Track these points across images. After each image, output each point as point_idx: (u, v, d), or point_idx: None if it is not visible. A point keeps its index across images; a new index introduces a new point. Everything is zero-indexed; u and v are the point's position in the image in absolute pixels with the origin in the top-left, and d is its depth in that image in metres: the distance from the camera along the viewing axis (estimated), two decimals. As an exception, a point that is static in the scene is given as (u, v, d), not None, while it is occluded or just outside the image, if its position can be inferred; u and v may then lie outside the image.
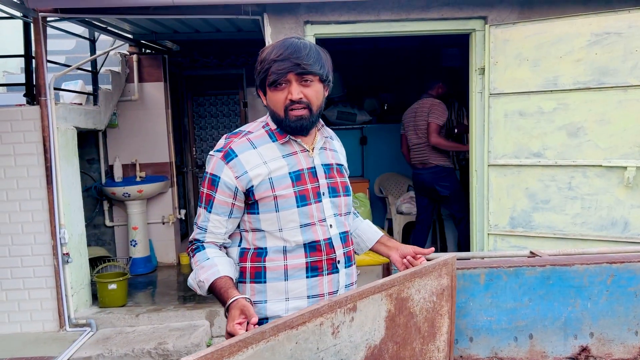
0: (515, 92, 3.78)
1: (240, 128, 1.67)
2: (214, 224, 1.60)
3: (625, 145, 3.52)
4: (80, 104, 4.59)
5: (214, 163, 1.58)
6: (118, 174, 5.39)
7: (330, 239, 1.61)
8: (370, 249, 1.93)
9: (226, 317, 1.44)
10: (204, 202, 1.60)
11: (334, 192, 1.65)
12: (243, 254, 1.62)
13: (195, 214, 6.79)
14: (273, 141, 1.60)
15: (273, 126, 1.62)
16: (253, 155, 1.56)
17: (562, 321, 2.16)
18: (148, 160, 5.59)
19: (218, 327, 4.03)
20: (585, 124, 3.61)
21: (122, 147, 5.52)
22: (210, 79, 6.64)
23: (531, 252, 2.34)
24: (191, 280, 1.59)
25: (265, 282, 1.59)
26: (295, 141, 1.61)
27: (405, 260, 1.78)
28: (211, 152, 1.61)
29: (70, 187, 4.11)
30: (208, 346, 3.77)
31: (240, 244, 1.64)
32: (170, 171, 5.70)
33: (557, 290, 2.15)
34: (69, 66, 4.29)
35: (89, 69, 4.79)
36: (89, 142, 5.33)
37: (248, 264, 1.60)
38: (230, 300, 1.43)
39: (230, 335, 1.34)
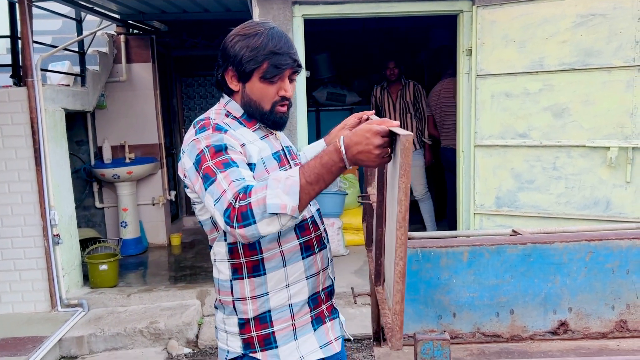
0: (501, 74, 3.81)
1: (203, 116, 1.54)
2: (247, 174, 1.38)
3: (608, 125, 3.58)
4: (68, 85, 4.57)
5: (205, 139, 1.42)
6: (107, 155, 5.39)
7: (313, 216, 1.63)
8: None
9: (343, 154, 1.26)
10: (221, 168, 1.35)
11: None
12: (232, 249, 1.52)
13: (185, 197, 6.72)
14: (244, 127, 1.54)
15: (237, 114, 1.55)
16: (239, 134, 1.48)
17: (542, 297, 2.23)
18: (137, 142, 5.59)
19: (209, 306, 4.09)
20: (570, 104, 3.66)
21: (111, 128, 5.51)
22: (199, 60, 6.61)
23: (513, 231, 2.40)
24: (278, 199, 1.25)
25: (264, 273, 1.53)
26: (264, 127, 1.58)
27: (359, 123, 1.71)
28: (194, 137, 1.45)
29: (59, 169, 4.12)
30: (199, 325, 3.85)
31: (226, 238, 1.52)
32: (159, 153, 5.71)
33: (538, 267, 2.21)
34: (55, 47, 4.27)
35: (76, 49, 4.75)
36: (77, 124, 5.32)
37: (242, 260, 1.52)
38: (341, 137, 1.28)
39: (377, 133, 1.23)
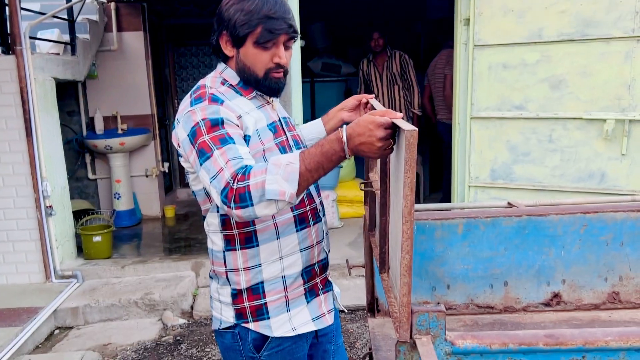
0: (499, 44, 3.76)
1: (198, 84, 1.51)
2: (244, 151, 1.35)
3: (605, 98, 3.55)
4: (58, 54, 4.48)
5: (201, 110, 1.38)
6: (99, 126, 5.33)
7: (309, 189, 1.60)
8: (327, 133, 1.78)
9: (344, 144, 1.26)
10: (218, 144, 1.32)
11: (297, 144, 1.62)
12: (225, 221, 1.50)
13: (182, 166, 6.85)
14: (240, 96, 1.50)
15: (233, 81, 1.51)
16: (235, 104, 1.45)
17: (536, 269, 2.24)
18: (129, 113, 5.52)
19: (203, 277, 4.10)
20: (568, 76, 3.62)
21: (103, 99, 5.43)
22: (192, 29, 6.48)
23: (509, 203, 2.40)
24: (276, 184, 1.25)
25: (257, 245, 1.51)
26: (261, 95, 1.55)
27: (359, 105, 1.73)
28: (190, 109, 1.41)
29: (50, 140, 4.06)
30: (194, 296, 3.86)
31: (219, 210, 1.50)
32: (152, 124, 5.64)
33: (532, 239, 2.22)
34: (44, 14, 4.16)
35: (65, 17, 4.64)
36: (68, 94, 5.23)
37: (235, 231, 1.50)
38: (344, 127, 1.28)
39: (380, 125, 1.22)
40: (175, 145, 1.49)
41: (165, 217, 5.75)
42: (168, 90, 6.53)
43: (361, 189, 2.03)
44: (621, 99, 3.52)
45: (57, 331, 3.65)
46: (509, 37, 3.73)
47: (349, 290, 3.78)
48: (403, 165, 1.09)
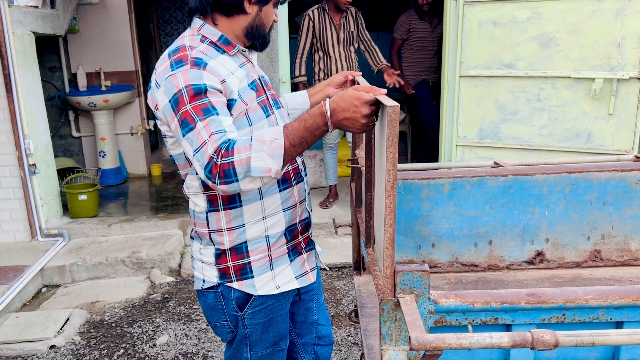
0: (489, 1, 3.69)
1: (176, 45, 1.46)
2: (227, 123, 1.33)
3: (595, 56, 3.52)
4: (37, 7, 4.32)
5: (183, 75, 1.34)
6: (82, 82, 5.21)
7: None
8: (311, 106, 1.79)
9: (327, 118, 1.27)
10: (201, 115, 1.30)
11: (276, 103, 1.61)
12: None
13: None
14: (221, 53, 1.47)
15: (213, 38, 1.48)
16: (218, 65, 1.41)
17: (521, 228, 2.26)
18: (113, 69, 5.40)
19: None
20: (558, 34, 3.58)
21: (85, 54, 5.30)
22: (175, -18, 6.31)
23: (495, 163, 2.40)
24: (262, 162, 1.25)
25: (240, 205, 1.51)
26: (242, 53, 1.53)
27: (345, 82, 1.75)
28: (171, 73, 1.36)
29: (31, 96, 3.97)
30: (182, 254, 3.87)
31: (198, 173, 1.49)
32: (136, 80, 5.53)
33: (518, 198, 2.23)
34: (20, -35, 4.00)
35: (43, -32, 4.46)
36: (49, 49, 5.09)
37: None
38: (327, 101, 1.28)
39: (366, 102, 1.24)
40: (152, 108, 1.46)
41: (151, 175, 5.72)
42: (152, 45, 6.38)
43: (347, 166, 2.03)
44: (610, 58, 3.49)
45: (44, 289, 3.66)
46: (500, -7, 3.66)
47: (336, 248, 3.82)
48: (386, 141, 1.09)
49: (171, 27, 6.47)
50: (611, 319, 1.18)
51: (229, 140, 1.28)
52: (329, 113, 1.26)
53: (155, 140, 6.35)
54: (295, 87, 4.14)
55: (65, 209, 4.37)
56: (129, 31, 5.40)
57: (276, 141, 1.26)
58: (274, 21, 1.58)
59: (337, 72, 4.15)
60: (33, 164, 3.90)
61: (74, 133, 5.45)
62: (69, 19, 4.81)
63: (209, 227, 1.54)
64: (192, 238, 1.66)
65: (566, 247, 2.29)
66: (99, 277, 3.72)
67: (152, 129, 5.91)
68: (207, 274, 1.59)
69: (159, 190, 5.24)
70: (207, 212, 1.53)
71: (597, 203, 2.23)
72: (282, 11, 3.82)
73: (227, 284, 1.56)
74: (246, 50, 1.55)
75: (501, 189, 2.23)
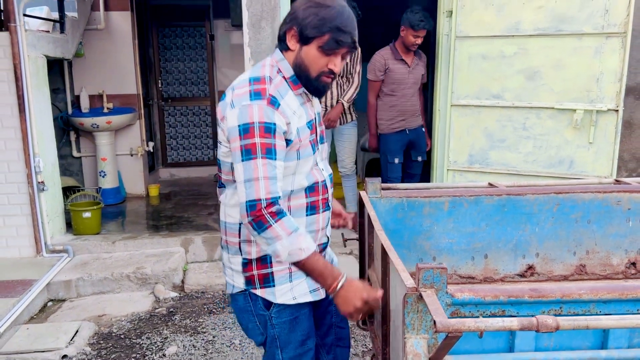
0: (480, 36, 3.97)
1: (258, 73, 1.61)
2: (281, 170, 1.55)
3: (576, 89, 3.80)
4: (48, 31, 4.51)
5: (260, 110, 1.51)
6: (85, 104, 5.37)
7: (324, 180, 1.77)
8: None
9: (334, 289, 1.55)
10: (264, 152, 1.49)
11: (321, 139, 1.80)
12: None
13: (164, 147, 6.69)
14: (290, 89, 1.63)
15: (287, 74, 1.63)
16: (286, 104, 1.58)
17: (513, 243, 2.47)
18: (115, 92, 5.57)
19: (193, 253, 4.24)
20: (542, 68, 3.86)
21: (89, 77, 5.47)
22: (177, 10, 6.54)
23: (489, 184, 2.62)
24: (282, 247, 1.51)
25: None
26: (305, 93, 1.69)
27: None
28: (246, 102, 1.52)
29: (42, 116, 4.12)
30: (184, 271, 4.01)
31: None
32: (137, 103, 5.71)
33: (511, 216, 2.44)
34: (35, -9, 4.20)
35: (55, -5, 4.67)
36: (53, 71, 5.24)
37: None
38: (344, 276, 1.56)
39: (365, 303, 1.54)
40: (219, 117, 1.63)
41: (149, 195, 5.85)
42: (152, 70, 6.57)
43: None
44: (590, 91, 3.77)
45: (50, 303, 3.75)
46: (488, 30, 3.94)
47: (342, 265, 3.98)
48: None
49: (171, 53, 6.67)
50: (600, 311, 1.38)
51: (281, 210, 1.53)
52: (337, 287, 1.54)
53: (152, 161, 6.50)
54: None
55: (69, 226, 4.48)
56: (132, 56, 5.60)
57: (301, 252, 1.53)
58: (331, 69, 1.60)
59: (326, 100, 4.29)
60: (42, 182, 4.03)
61: (75, 153, 5.57)
62: (76, 43, 5.00)
63: (240, 237, 1.72)
64: (222, 247, 1.83)
65: (554, 261, 2.51)
66: (104, 292, 3.83)
67: (151, 150, 6.06)
68: (236, 280, 1.77)
69: (158, 209, 5.37)
70: (240, 224, 1.70)
71: (582, 221, 2.46)
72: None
73: (252, 291, 1.74)
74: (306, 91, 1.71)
75: (496, 207, 2.45)
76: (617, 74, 3.69)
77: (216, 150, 6.81)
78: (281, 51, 1.66)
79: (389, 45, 4.37)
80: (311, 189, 1.72)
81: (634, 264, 2.49)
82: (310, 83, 1.63)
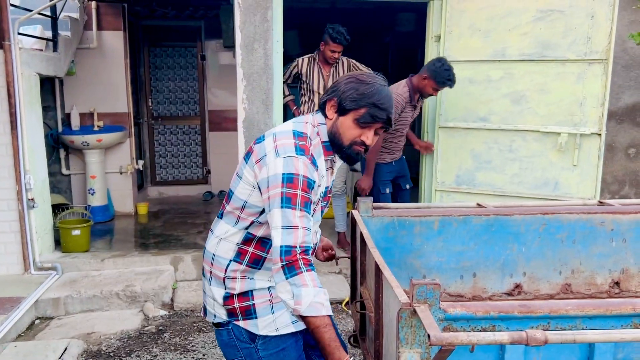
0: (467, 60, 4.08)
1: (301, 129, 1.71)
2: (311, 224, 1.64)
3: (560, 113, 3.92)
4: (41, 49, 4.54)
5: (304, 166, 1.60)
6: (75, 122, 5.39)
7: (317, 244, 1.88)
8: None
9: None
10: (302, 205, 1.57)
11: (321, 213, 1.87)
12: (248, 239, 1.73)
13: (153, 165, 6.70)
14: (322, 154, 1.74)
15: (322, 138, 1.73)
16: (320, 167, 1.70)
17: (501, 262, 2.53)
18: (106, 110, 5.60)
19: (182, 272, 4.25)
20: (528, 92, 3.98)
21: (80, 95, 5.50)
22: (168, 30, 6.61)
23: (478, 204, 2.68)
24: (306, 295, 1.52)
25: (259, 268, 1.75)
26: (333, 160, 1.79)
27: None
28: (292, 154, 1.61)
29: (33, 134, 4.14)
30: (174, 289, 4.01)
31: (248, 228, 1.72)
32: (128, 122, 5.73)
33: (498, 236, 2.51)
34: (29, 10, 4.24)
35: (49, 14, 4.71)
36: (44, 89, 5.25)
37: (251, 249, 1.73)
38: (348, 358, 1.55)
39: None
40: (255, 157, 1.67)
41: (137, 214, 5.84)
42: (142, 89, 6.61)
43: (356, 311, 2.27)
44: (574, 115, 3.89)
45: (37, 321, 3.72)
46: (475, 55, 4.06)
47: (332, 285, 4.01)
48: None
49: (162, 72, 6.72)
50: (586, 327, 1.43)
51: (312, 263, 1.57)
52: None
53: (141, 180, 6.50)
54: (285, 106, 4.43)
55: (57, 243, 4.47)
56: (124, 75, 5.64)
57: (322, 307, 1.53)
58: (363, 141, 1.68)
59: None
60: (32, 199, 4.02)
61: (64, 171, 5.57)
62: (69, 61, 5.04)
63: (225, 273, 1.76)
64: (204, 276, 1.86)
65: (541, 280, 2.57)
66: (93, 310, 3.81)
67: (141, 168, 6.08)
68: (217, 311, 1.81)
69: (147, 228, 5.36)
70: (230, 260, 1.75)
71: (567, 241, 2.53)
72: (277, 63, 4.12)
73: (235, 322, 1.77)
74: (335, 160, 1.80)
75: (484, 227, 2.51)
76: (600, 98, 3.82)
77: (205, 168, 6.82)
78: (323, 116, 1.75)
79: (406, 82, 3.98)
80: (308, 250, 1.76)
81: (617, 283, 2.56)
82: (342, 151, 1.72)
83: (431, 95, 3.99)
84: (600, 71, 3.80)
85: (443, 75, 3.79)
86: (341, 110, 1.69)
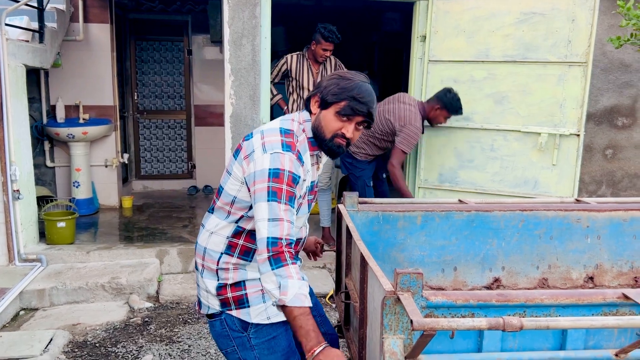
0: (451, 61, 4.17)
1: (288, 126, 1.78)
2: (295, 217, 1.70)
3: (541, 114, 4.03)
4: (27, 41, 4.52)
5: (290, 161, 1.67)
6: (61, 114, 5.37)
7: (304, 238, 1.95)
8: None
9: (312, 352, 1.53)
10: (287, 199, 1.63)
11: (309, 207, 1.92)
12: (238, 232, 1.79)
13: (138, 159, 6.68)
14: (307, 150, 1.80)
15: (309, 134, 1.80)
16: (305, 163, 1.77)
17: (481, 257, 2.61)
18: (91, 103, 5.59)
19: (167, 265, 4.27)
20: (510, 93, 4.08)
21: (65, 88, 5.48)
22: (155, 24, 6.61)
23: (460, 200, 2.76)
24: (292, 286, 1.56)
25: (250, 261, 1.81)
26: (317, 156, 1.85)
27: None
28: (278, 150, 1.67)
29: (19, 125, 4.13)
30: (159, 282, 4.04)
31: (238, 222, 1.78)
32: (114, 115, 5.73)
33: (479, 231, 2.59)
34: (16, 1, 4.23)
35: (36, 5, 4.69)
36: (29, 81, 5.22)
37: (241, 242, 1.80)
38: (326, 345, 1.55)
39: None
40: (243, 152, 1.74)
41: (122, 207, 5.84)
42: (128, 82, 6.60)
43: (341, 301, 2.33)
44: (554, 116, 4.00)
45: (22, 312, 3.73)
46: (459, 55, 4.15)
47: (317, 280, 4.07)
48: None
49: (148, 66, 6.72)
50: (560, 315, 1.51)
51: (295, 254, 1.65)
52: (315, 352, 1.52)
53: (126, 173, 6.50)
54: (273, 105, 4.46)
55: (42, 236, 4.46)
56: (110, 68, 5.63)
57: (305, 298, 1.57)
58: (343, 134, 1.74)
59: None
60: (17, 190, 4.02)
61: (48, 163, 5.55)
62: (54, 53, 5.02)
63: (218, 265, 1.83)
64: (196, 269, 1.92)
65: (519, 274, 2.66)
66: (78, 302, 3.83)
67: (126, 162, 6.07)
68: (210, 302, 1.86)
69: (132, 221, 5.37)
70: (222, 253, 1.82)
71: (545, 237, 2.62)
72: (265, 59, 4.17)
73: (228, 312, 1.84)
74: (321, 156, 1.86)
75: (465, 222, 2.59)
76: (579, 100, 3.93)
77: (190, 163, 6.82)
78: (309, 113, 1.82)
79: (419, 110, 4.01)
80: (292, 243, 1.80)
81: (591, 278, 2.66)
82: (324, 143, 1.77)
83: (440, 123, 4.11)
84: (580, 74, 3.91)
85: (456, 106, 3.97)
86: (323, 104, 1.76)
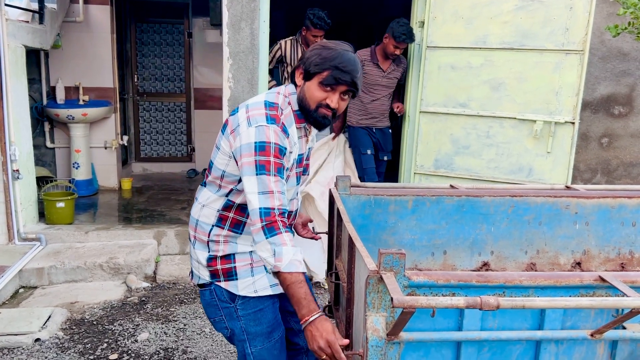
0: (449, 47, 4.18)
1: (273, 99, 1.79)
2: (285, 188, 1.72)
3: (537, 101, 4.04)
4: (27, 22, 4.54)
5: (275, 133, 1.68)
6: (60, 95, 5.40)
7: (296, 211, 1.98)
8: None
9: (306, 320, 1.57)
10: (275, 171, 1.66)
11: (305, 170, 1.97)
12: (228, 205, 1.82)
13: (138, 141, 6.72)
14: (294, 123, 1.81)
15: (295, 107, 1.81)
16: (291, 135, 1.78)
17: (470, 241, 2.65)
18: (91, 84, 5.61)
19: (165, 246, 4.33)
20: (506, 80, 4.09)
21: (65, 69, 5.50)
22: (155, 6, 6.60)
23: (451, 185, 2.80)
24: (287, 253, 1.61)
25: (241, 233, 1.85)
26: (305, 128, 1.87)
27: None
28: (262, 123, 1.68)
29: (19, 105, 4.16)
30: (157, 262, 4.10)
31: (228, 195, 1.82)
32: (114, 97, 5.76)
33: (469, 216, 2.63)
34: (16, -18, 4.24)
35: (35, -15, 4.70)
36: (29, 61, 5.24)
37: (231, 215, 1.83)
38: (320, 313, 1.59)
39: (328, 345, 1.54)
40: (229, 127, 1.77)
41: (121, 189, 5.90)
42: (128, 64, 6.62)
43: (331, 281, 2.36)
44: (549, 104, 4.02)
45: (21, 290, 3.80)
46: (457, 41, 4.15)
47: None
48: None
49: (148, 48, 6.73)
50: (538, 296, 1.56)
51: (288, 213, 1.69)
52: (310, 320, 1.56)
53: (125, 155, 6.54)
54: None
55: (41, 215, 4.52)
56: (110, 50, 5.65)
57: (300, 264, 1.62)
58: (328, 104, 1.74)
59: None
60: (16, 170, 4.07)
61: (48, 144, 5.59)
62: (54, 34, 5.04)
63: (209, 237, 1.87)
64: (189, 240, 1.98)
65: (507, 259, 2.70)
66: (77, 280, 3.89)
67: (125, 144, 6.11)
68: (201, 273, 1.92)
69: (131, 203, 5.43)
70: (213, 226, 1.86)
71: (534, 223, 2.66)
72: (263, 42, 4.18)
73: (217, 283, 1.89)
74: (309, 128, 1.88)
75: (455, 207, 2.63)
76: (575, 88, 3.94)
77: (189, 146, 6.86)
78: (294, 86, 1.84)
79: (370, 47, 4.46)
80: (285, 213, 1.83)
81: (579, 263, 2.71)
82: (309, 114, 1.79)
83: (394, 54, 4.25)
84: (576, 62, 3.92)
85: (399, 31, 4.07)
86: (307, 76, 1.76)
